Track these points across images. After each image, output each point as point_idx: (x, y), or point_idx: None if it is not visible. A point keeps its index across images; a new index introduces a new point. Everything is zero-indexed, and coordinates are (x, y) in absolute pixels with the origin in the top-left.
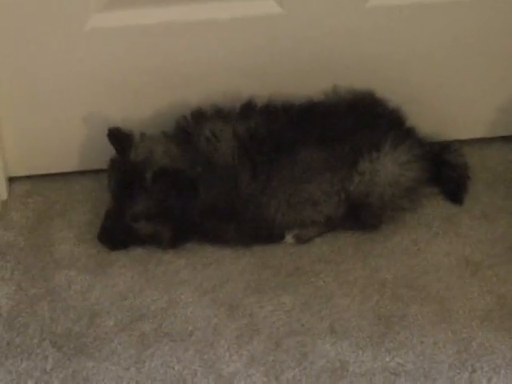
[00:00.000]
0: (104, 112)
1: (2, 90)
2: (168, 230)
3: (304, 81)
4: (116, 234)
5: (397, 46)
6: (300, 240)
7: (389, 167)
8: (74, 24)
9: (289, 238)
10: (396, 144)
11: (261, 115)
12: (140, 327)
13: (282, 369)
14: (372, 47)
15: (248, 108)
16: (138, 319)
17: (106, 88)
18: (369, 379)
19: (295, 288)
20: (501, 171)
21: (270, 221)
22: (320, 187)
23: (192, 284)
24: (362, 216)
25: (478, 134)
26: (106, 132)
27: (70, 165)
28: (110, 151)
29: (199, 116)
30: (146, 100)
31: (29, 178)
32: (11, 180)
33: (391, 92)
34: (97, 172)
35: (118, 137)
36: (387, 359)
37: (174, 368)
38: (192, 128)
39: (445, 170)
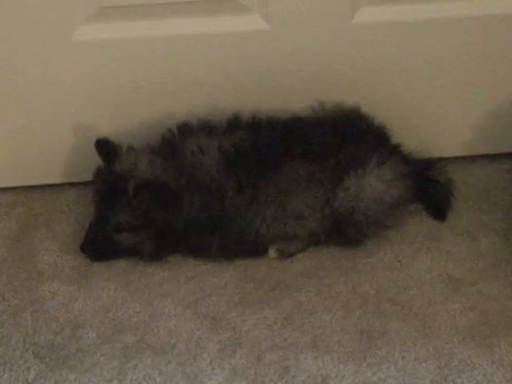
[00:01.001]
0: (90, 124)
1: None
2: (150, 243)
3: (290, 96)
4: (98, 245)
5: (382, 62)
6: (283, 254)
7: (373, 184)
8: (61, 35)
9: (272, 252)
10: (381, 161)
11: (246, 130)
12: (122, 339)
13: (264, 382)
14: (357, 64)
15: (234, 123)
16: (120, 331)
17: (93, 99)
18: None
19: (278, 302)
20: (483, 188)
21: (254, 235)
22: (305, 202)
23: (175, 297)
24: (345, 232)
25: (462, 152)
26: (94, 142)
27: (55, 176)
28: (95, 163)
29: (185, 130)
30: (132, 112)
31: (13, 188)
32: None
33: (376, 108)
34: (82, 184)
35: (106, 147)
36: (368, 374)
37: (155, 380)
38: (178, 141)
39: (429, 186)
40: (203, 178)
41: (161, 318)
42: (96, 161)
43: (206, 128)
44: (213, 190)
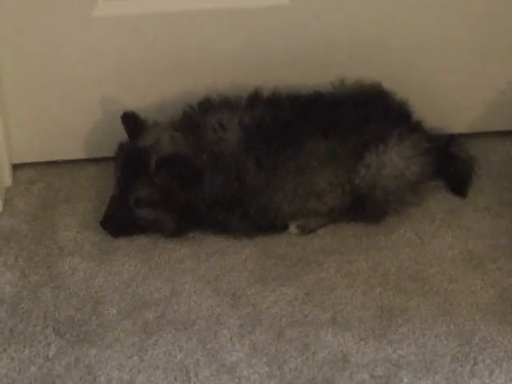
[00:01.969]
0: (110, 99)
1: (9, 76)
2: (171, 219)
3: (311, 72)
4: (119, 221)
5: (404, 38)
6: (303, 230)
7: (394, 161)
8: (82, 11)
9: (292, 229)
10: (402, 138)
11: (267, 106)
12: (143, 315)
13: (285, 359)
14: (379, 39)
15: (254, 98)
16: (141, 307)
17: (114, 75)
18: (371, 370)
19: (298, 278)
20: (505, 165)
21: (275, 211)
22: (325, 179)
23: (195, 273)
24: (366, 208)
25: (483, 128)
26: (121, 115)
27: (76, 152)
28: (115, 139)
29: (206, 105)
30: (152, 88)
31: (33, 164)
32: (15, 167)
33: (398, 84)
34: (102, 160)
35: (132, 121)
36: (389, 351)
37: (176, 357)
38: (198, 117)
39: (450, 163)
40: (224, 154)
41: (181, 294)
42: (116, 136)
43: (227, 104)
44: (233, 167)
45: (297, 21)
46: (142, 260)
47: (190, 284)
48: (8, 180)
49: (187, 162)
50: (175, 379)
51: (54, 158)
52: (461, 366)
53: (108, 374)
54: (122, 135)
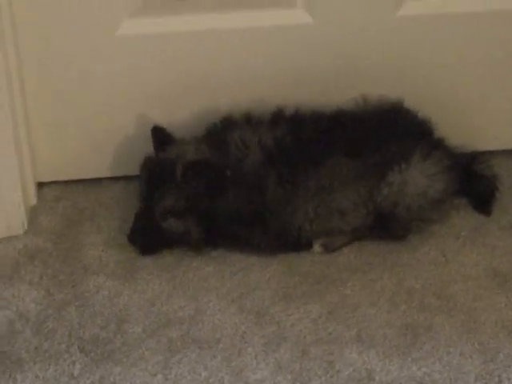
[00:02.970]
0: (136, 117)
1: (34, 93)
2: (197, 229)
3: (333, 90)
4: (146, 235)
5: (426, 55)
6: (328, 249)
7: (417, 178)
8: (106, 28)
9: (316, 247)
10: (425, 155)
11: (289, 124)
12: (167, 334)
13: (309, 377)
14: (402, 56)
15: (277, 117)
16: (165, 325)
17: (138, 94)
18: None
19: (322, 296)
20: None
21: (297, 230)
22: (348, 197)
23: (219, 291)
24: (389, 227)
25: (507, 146)
26: (151, 128)
27: (100, 171)
28: (141, 157)
29: (229, 123)
30: (178, 106)
31: (58, 183)
32: (40, 185)
33: (420, 101)
34: (127, 178)
35: (161, 134)
36: (414, 369)
37: (200, 375)
38: (221, 134)
39: (473, 180)
40: (246, 172)
41: (205, 312)
42: (142, 155)
43: (250, 122)
44: (255, 183)
45: (320, 38)
46: (166, 278)
47: (214, 302)
48: (33, 198)
49: (213, 166)
50: None
51: (79, 176)
52: None
53: None
54: (147, 153)
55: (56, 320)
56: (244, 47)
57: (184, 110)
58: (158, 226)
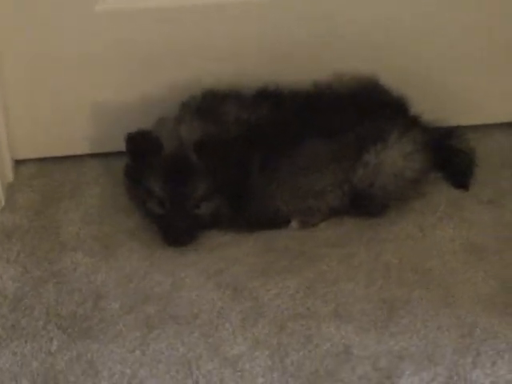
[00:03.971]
0: (113, 93)
1: (10, 71)
2: (226, 207)
3: (311, 66)
4: (184, 231)
5: (399, 31)
6: (305, 225)
7: (394, 158)
8: (85, 5)
9: (294, 223)
10: (401, 135)
11: (268, 105)
12: (145, 310)
13: (287, 352)
14: (375, 33)
15: (258, 97)
16: (143, 302)
17: (116, 70)
18: (373, 362)
19: (300, 272)
20: (507, 156)
21: (275, 210)
22: (324, 178)
23: (197, 267)
24: (365, 206)
25: (483, 120)
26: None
27: (78, 148)
28: (118, 133)
29: (213, 97)
30: (156, 82)
31: (35, 160)
32: (17, 162)
33: (394, 77)
34: (105, 155)
35: (143, 141)
36: (391, 343)
37: (178, 350)
38: (214, 109)
39: (450, 155)
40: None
41: (183, 288)
42: (119, 131)
43: (231, 97)
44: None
45: (295, 14)
46: (143, 255)
47: (191, 278)
48: (10, 176)
49: (219, 140)
50: (177, 373)
51: (56, 153)
52: (463, 358)
53: (110, 369)
54: (125, 130)
55: (33, 297)
56: (221, 22)
57: (164, 85)
58: (193, 217)
